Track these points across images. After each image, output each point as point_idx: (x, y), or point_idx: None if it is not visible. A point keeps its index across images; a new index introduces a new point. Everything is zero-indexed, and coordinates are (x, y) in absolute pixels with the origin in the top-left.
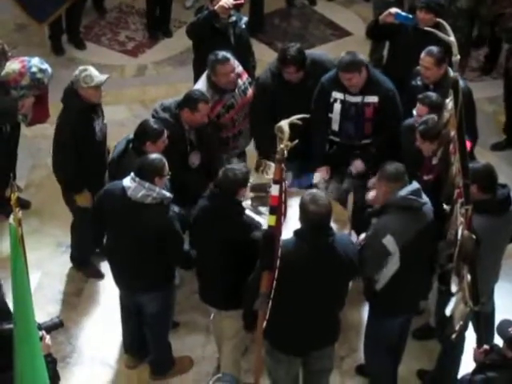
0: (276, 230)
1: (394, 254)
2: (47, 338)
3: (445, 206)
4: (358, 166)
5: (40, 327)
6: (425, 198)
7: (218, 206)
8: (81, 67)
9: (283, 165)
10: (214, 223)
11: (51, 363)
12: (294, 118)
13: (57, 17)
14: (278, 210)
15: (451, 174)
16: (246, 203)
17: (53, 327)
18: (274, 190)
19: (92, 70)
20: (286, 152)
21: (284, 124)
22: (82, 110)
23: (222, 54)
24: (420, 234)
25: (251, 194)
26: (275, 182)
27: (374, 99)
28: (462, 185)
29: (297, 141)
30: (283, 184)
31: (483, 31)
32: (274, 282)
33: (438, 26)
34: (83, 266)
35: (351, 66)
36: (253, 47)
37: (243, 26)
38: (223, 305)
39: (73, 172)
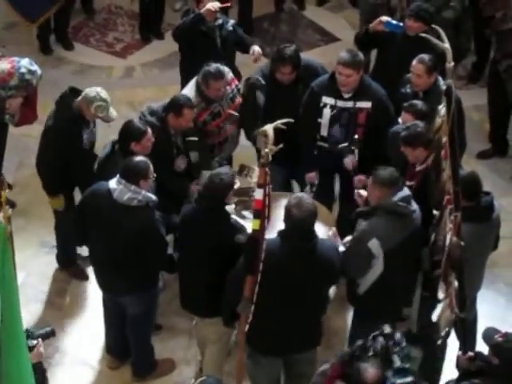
0: (260, 234)
1: (378, 257)
2: (41, 346)
3: (434, 212)
4: (353, 160)
5: (33, 336)
6: (414, 205)
7: (206, 210)
8: (101, 93)
9: (267, 169)
10: (201, 227)
11: (41, 372)
12: (279, 123)
13: (47, 17)
14: (262, 214)
15: (442, 179)
16: (230, 207)
17: (45, 336)
18: (258, 194)
19: (109, 105)
20: (270, 156)
21: (268, 128)
22: (73, 119)
23: (217, 68)
24: (406, 240)
25: (235, 199)
26: (259, 185)
27: (367, 104)
28: (452, 191)
29: (281, 145)
30: (267, 188)
31: (463, 44)
32: (257, 286)
33: (427, 34)
34: (68, 266)
35: (353, 62)
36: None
37: (230, 29)
38: (207, 311)
39: (51, 175)
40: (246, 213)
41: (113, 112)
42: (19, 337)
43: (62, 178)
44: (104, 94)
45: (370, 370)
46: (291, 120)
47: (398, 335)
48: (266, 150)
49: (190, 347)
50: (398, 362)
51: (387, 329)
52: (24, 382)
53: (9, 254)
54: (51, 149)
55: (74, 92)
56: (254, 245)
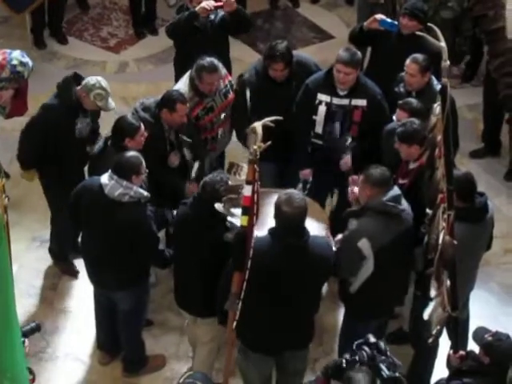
0: (248, 230)
1: (369, 257)
2: (27, 347)
3: (428, 211)
4: (348, 162)
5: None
6: (404, 204)
7: (200, 215)
8: (102, 81)
9: (256, 165)
10: (195, 231)
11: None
12: (267, 120)
13: (35, 8)
14: (250, 211)
15: (435, 178)
16: (219, 205)
17: (30, 332)
18: (247, 191)
19: (108, 94)
20: (258, 153)
21: (257, 125)
22: (71, 106)
23: (211, 61)
24: (396, 239)
25: (223, 197)
26: (248, 182)
27: (362, 102)
28: (446, 190)
29: (269, 142)
30: (256, 185)
31: (461, 46)
32: (245, 283)
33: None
34: (60, 262)
35: (352, 60)
36: (235, 48)
37: (221, 20)
38: (201, 311)
39: (26, 145)
40: (234, 210)
41: (111, 102)
42: (12, 322)
43: (36, 152)
44: (104, 83)
45: (360, 377)
46: (279, 118)
47: (382, 344)
48: (255, 147)
49: (181, 343)
50: (386, 371)
51: (371, 338)
52: (19, 370)
53: (4, 242)
54: (40, 124)
55: (78, 78)
56: (242, 241)
